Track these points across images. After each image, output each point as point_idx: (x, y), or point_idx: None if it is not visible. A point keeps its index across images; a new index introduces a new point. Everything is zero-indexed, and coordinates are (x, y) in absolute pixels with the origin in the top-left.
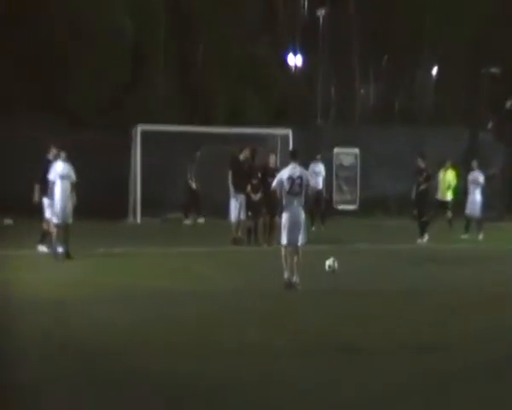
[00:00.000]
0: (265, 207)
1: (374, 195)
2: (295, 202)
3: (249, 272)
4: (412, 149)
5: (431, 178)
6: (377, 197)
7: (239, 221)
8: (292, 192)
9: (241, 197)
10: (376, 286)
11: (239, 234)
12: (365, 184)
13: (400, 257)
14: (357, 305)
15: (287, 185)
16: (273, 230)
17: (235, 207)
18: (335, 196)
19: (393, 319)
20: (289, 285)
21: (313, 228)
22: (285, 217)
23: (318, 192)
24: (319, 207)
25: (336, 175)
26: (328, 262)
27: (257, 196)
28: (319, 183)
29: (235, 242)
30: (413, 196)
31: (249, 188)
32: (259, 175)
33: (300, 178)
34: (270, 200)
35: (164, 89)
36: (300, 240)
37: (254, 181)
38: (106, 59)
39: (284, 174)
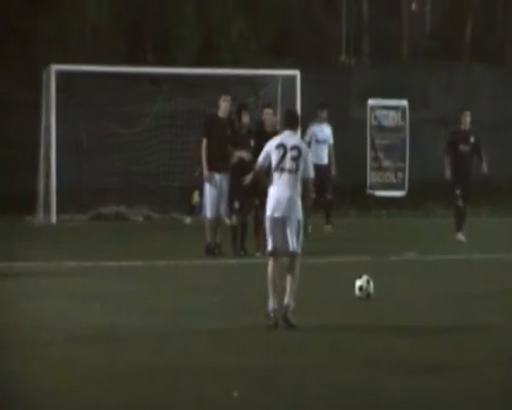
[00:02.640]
0: (258, 196)
1: (433, 175)
2: (285, 184)
3: (225, 302)
4: (495, 101)
5: None
6: (440, 177)
7: (218, 218)
8: (281, 168)
9: (222, 180)
10: (445, 323)
11: (217, 238)
12: (419, 158)
13: (472, 274)
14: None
15: (275, 157)
16: None
17: (213, 197)
18: (371, 177)
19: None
20: (273, 322)
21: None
22: (269, 207)
23: (323, 170)
24: (323, 194)
25: (372, 143)
26: (360, 283)
27: (247, 179)
28: (323, 156)
29: (211, 250)
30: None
31: (234, 162)
32: (252, 144)
33: (298, 149)
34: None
35: (94, 8)
36: (295, 244)
37: (244, 154)
38: None
39: (273, 142)
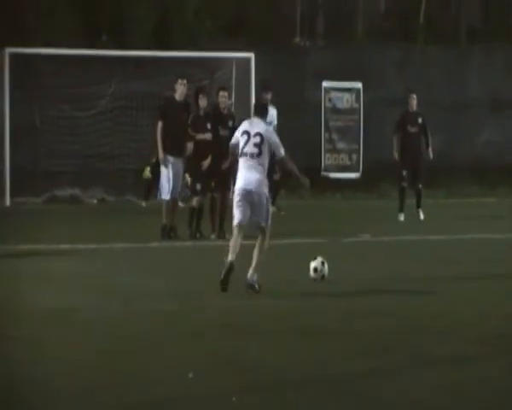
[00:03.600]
0: (214, 178)
1: (387, 156)
2: (250, 167)
3: (178, 284)
4: (450, 81)
5: None
6: (392, 160)
7: (173, 200)
8: (244, 153)
9: (177, 163)
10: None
11: (173, 221)
12: (372, 140)
13: (422, 255)
14: (367, 340)
15: (241, 143)
16: (225, 213)
17: (168, 179)
18: (325, 159)
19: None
20: (230, 269)
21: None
22: (239, 182)
23: None
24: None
25: (326, 125)
26: (315, 264)
27: (206, 162)
28: None
29: (166, 232)
30: None
31: (191, 147)
32: (208, 127)
33: (260, 135)
34: (221, 167)
35: None
36: (264, 219)
37: (202, 136)
38: None
39: (240, 129)
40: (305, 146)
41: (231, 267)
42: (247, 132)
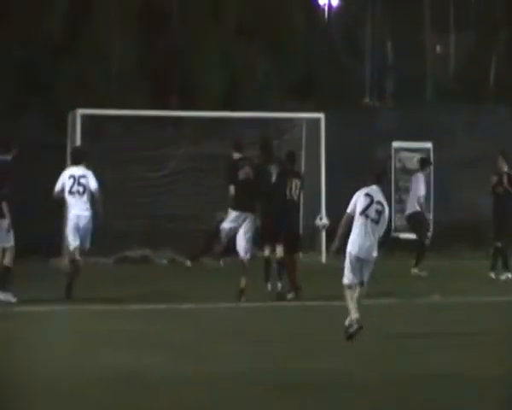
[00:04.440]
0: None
1: (459, 215)
2: (368, 230)
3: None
4: None
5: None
6: (464, 221)
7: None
8: (366, 215)
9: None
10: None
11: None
12: (444, 200)
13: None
14: None
15: (362, 204)
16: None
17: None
18: (395, 219)
19: None
20: (360, 328)
21: None
22: (351, 252)
23: None
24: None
25: (396, 185)
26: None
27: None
28: None
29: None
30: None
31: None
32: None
33: (381, 204)
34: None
35: (118, 55)
36: (367, 277)
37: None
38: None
39: (362, 192)
40: None
41: (361, 326)
42: (370, 196)
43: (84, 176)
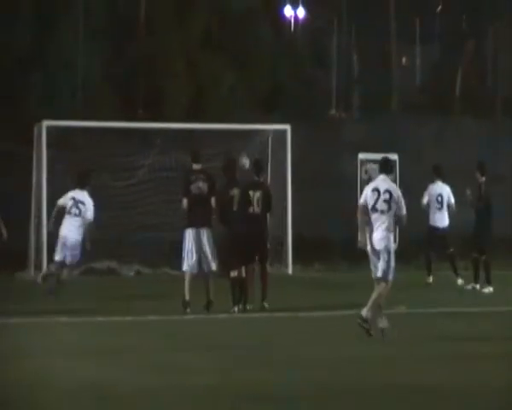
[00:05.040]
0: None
1: (422, 228)
2: (380, 222)
3: None
4: (486, 154)
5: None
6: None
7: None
8: (375, 209)
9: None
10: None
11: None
12: (410, 212)
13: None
14: None
15: (371, 200)
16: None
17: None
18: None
19: None
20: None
21: None
22: (369, 244)
23: None
24: None
25: None
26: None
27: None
28: None
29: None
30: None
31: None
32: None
33: (389, 192)
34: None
35: (85, 67)
36: (381, 271)
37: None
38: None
39: (370, 186)
40: (341, 218)
41: (367, 329)
42: (377, 190)
43: (83, 202)
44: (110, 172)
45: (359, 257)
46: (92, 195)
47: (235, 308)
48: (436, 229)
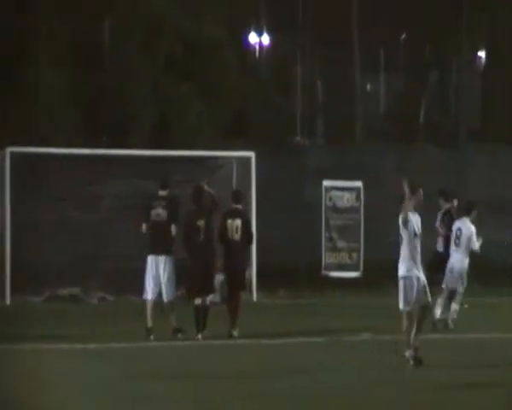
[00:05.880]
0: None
1: (387, 254)
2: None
3: None
4: (450, 182)
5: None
6: (394, 260)
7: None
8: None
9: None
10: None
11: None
12: (374, 238)
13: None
14: None
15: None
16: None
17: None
18: (325, 257)
19: None
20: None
21: None
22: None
23: None
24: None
25: (327, 224)
26: None
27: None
28: None
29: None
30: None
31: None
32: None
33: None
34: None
35: (49, 91)
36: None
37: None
38: None
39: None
40: (305, 245)
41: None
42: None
43: None
44: (74, 199)
45: (323, 283)
46: (57, 223)
47: (199, 336)
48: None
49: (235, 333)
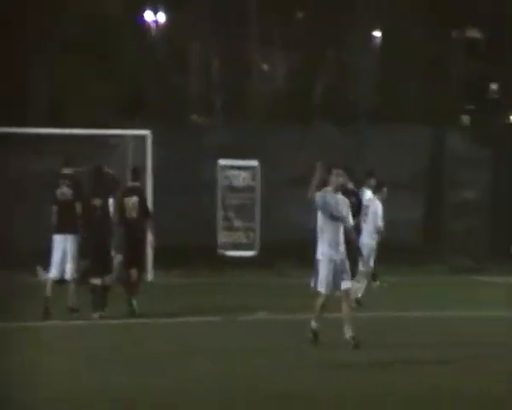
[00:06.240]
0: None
1: (283, 234)
2: None
3: None
4: (348, 160)
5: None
6: (290, 237)
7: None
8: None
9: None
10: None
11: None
12: (270, 218)
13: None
14: None
15: None
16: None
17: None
18: (221, 237)
19: None
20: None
21: None
22: None
23: None
24: None
25: (223, 203)
26: None
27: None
28: None
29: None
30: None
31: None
32: None
33: None
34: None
35: None
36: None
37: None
38: None
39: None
40: (201, 224)
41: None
42: None
43: None
44: None
45: (219, 263)
46: None
47: (96, 315)
48: None
49: (135, 304)
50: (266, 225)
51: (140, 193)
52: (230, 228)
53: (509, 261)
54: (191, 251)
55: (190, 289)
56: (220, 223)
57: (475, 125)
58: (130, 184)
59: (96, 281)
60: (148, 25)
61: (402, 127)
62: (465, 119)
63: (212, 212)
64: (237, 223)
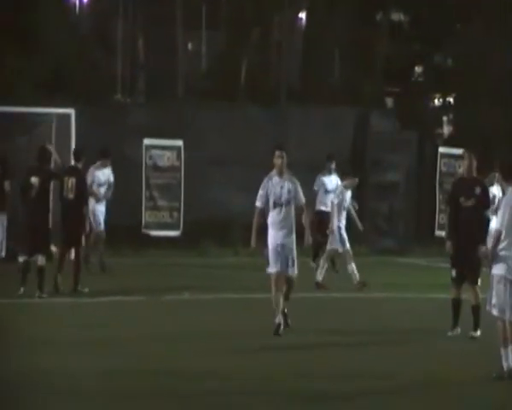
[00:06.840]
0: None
1: (208, 213)
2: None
3: None
4: (270, 141)
5: None
6: (214, 217)
7: None
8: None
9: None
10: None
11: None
12: (194, 197)
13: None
14: None
15: None
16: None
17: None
18: (146, 216)
19: None
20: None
21: None
22: None
23: None
24: None
25: (147, 183)
26: None
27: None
28: None
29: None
30: None
31: None
32: None
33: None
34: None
35: None
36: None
37: None
38: None
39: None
40: (125, 203)
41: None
42: None
43: None
44: None
45: (143, 242)
46: None
47: (22, 289)
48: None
49: (86, 290)
50: (190, 205)
51: (78, 174)
52: (155, 208)
53: (434, 244)
54: (116, 231)
55: (115, 269)
56: (145, 203)
57: (400, 107)
58: (71, 164)
59: (26, 258)
60: (73, 2)
61: (326, 109)
62: (389, 101)
63: (136, 192)
64: (162, 202)
